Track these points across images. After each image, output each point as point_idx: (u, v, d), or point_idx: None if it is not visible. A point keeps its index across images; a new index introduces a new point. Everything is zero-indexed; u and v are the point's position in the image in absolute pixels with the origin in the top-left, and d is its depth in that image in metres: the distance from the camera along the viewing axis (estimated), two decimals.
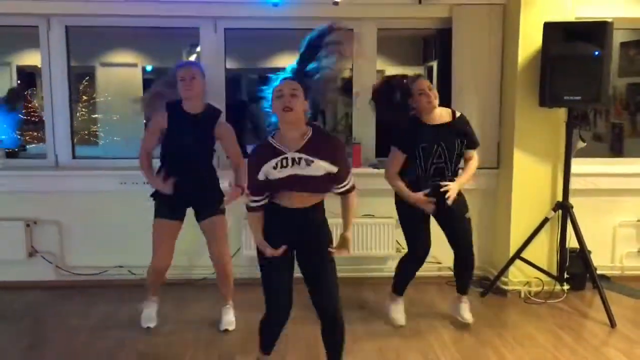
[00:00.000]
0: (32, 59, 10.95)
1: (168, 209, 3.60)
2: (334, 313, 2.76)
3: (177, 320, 3.93)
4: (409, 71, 8.56)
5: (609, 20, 3.91)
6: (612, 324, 3.82)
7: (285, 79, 2.68)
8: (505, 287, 4.38)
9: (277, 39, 7.84)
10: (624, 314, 4.02)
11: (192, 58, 9.28)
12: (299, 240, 2.77)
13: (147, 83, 12.71)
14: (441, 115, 3.62)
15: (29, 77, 11.54)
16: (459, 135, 3.59)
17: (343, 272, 3.08)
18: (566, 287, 4.32)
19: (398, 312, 3.84)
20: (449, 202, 3.50)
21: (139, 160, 3.60)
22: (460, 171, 3.68)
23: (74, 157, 4.65)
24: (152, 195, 3.65)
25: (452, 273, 4.07)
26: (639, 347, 3.52)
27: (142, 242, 3.77)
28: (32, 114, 10.20)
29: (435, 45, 5.23)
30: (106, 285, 4.48)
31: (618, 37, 5.28)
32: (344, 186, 2.78)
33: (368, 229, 4.55)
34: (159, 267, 3.64)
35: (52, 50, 4.48)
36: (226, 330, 3.72)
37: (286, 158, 2.64)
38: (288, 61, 9.06)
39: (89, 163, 4.70)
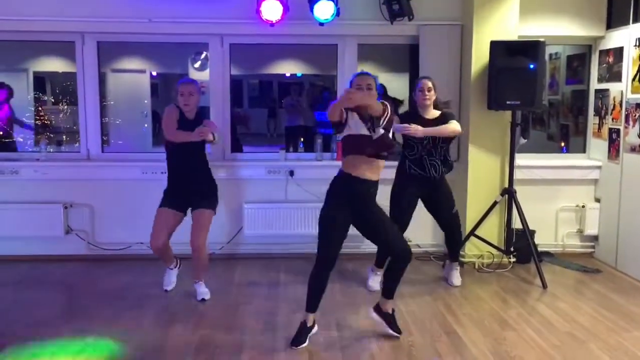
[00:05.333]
0: (47, 65, 11.74)
1: (171, 201, 4.30)
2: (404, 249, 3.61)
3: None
4: (397, 78, 9.46)
5: (542, 39, 4.80)
6: (544, 286, 4.69)
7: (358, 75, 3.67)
8: (462, 259, 5.23)
9: (274, 50, 8.79)
10: (556, 279, 4.90)
11: (197, 65, 10.15)
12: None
13: (154, 88, 13.53)
14: (434, 113, 4.48)
15: (39, 82, 12.25)
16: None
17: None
18: (512, 259, 5.19)
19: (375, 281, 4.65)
20: (410, 131, 4.24)
21: (175, 134, 4.14)
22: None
23: (102, 151, 5.53)
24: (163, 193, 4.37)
25: (420, 249, 5.07)
26: (560, 301, 4.40)
27: None
28: (43, 118, 10.95)
29: (408, 57, 6.07)
30: (130, 258, 5.31)
31: (566, 51, 6.16)
32: None
33: None
34: (154, 247, 4.31)
35: (85, 62, 5.35)
36: (203, 300, 4.34)
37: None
38: (284, 68, 10.15)
39: (116, 156, 5.57)
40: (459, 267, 4.82)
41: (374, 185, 3.57)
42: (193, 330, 3.82)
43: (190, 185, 4.30)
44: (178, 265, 4.65)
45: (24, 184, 5.28)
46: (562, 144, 6.14)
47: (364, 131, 3.48)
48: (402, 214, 4.47)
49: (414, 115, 4.53)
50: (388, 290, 3.71)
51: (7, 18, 5.10)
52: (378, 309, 3.75)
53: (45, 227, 5.23)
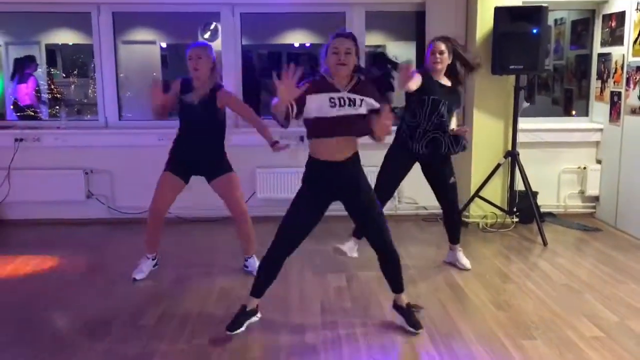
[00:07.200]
0: (58, 37, 11.85)
1: (176, 166, 4.04)
2: (386, 246, 3.23)
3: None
4: (404, 45, 9.54)
5: (545, 4, 4.91)
6: (545, 244, 4.89)
7: (340, 35, 3.05)
8: (467, 220, 5.45)
9: (282, 20, 8.92)
10: (558, 238, 5.11)
11: (207, 35, 10.25)
12: (341, 191, 3.15)
13: (163, 59, 13.64)
14: (445, 79, 4.07)
15: (50, 54, 12.38)
16: (456, 100, 4.11)
17: (332, 212, 4.07)
18: (515, 219, 5.39)
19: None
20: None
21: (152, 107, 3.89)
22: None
23: (120, 119, 5.74)
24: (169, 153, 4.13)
25: (426, 211, 5.21)
26: (560, 257, 4.62)
27: None
28: (54, 91, 11.12)
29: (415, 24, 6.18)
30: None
31: (571, 16, 6.25)
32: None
33: None
34: (155, 210, 4.06)
35: (101, 32, 5.53)
36: None
37: (343, 97, 2.99)
38: (292, 38, 10.31)
39: (133, 124, 5.78)
40: (461, 249, 4.44)
41: (350, 164, 3.11)
42: (212, 283, 4.08)
43: (198, 157, 4.05)
44: (156, 262, 4.31)
45: (46, 151, 5.53)
46: (574, 113, 6.15)
47: (332, 111, 3.01)
48: (387, 182, 4.16)
49: (429, 77, 3.99)
50: (391, 284, 3.37)
51: None
52: (395, 304, 3.40)
53: (68, 192, 5.49)
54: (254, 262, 4.22)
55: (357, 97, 3.05)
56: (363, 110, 3.07)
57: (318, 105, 3.01)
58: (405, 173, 4.24)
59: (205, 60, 3.86)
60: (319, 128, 3.06)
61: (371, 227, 3.24)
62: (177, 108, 4.03)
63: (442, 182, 4.23)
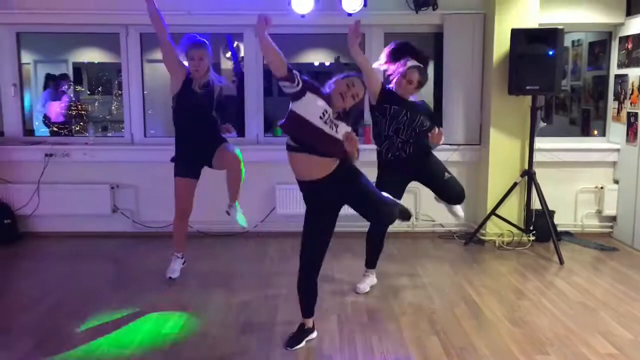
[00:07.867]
0: (84, 56, 12.15)
1: (184, 168, 4.35)
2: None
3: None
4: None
5: (561, 27, 5.01)
6: (561, 262, 4.93)
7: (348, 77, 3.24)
8: (483, 238, 5.51)
9: (302, 40, 9.12)
10: (574, 257, 5.14)
11: (228, 55, 10.47)
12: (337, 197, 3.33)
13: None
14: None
15: (76, 72, 12.71)
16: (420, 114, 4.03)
17: (347, 228, 4.14)
18: (532, 238, 5.43)
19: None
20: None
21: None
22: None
23: (145, 135, 5.93)
24: (171, 160, 4.44)
25: (443, 229, 5.27)
26: (576, 276, 4.65)
27: (198, 201, 4.98)
28: (79, 107, 11.42)
29: (433, 45, 6.29)
30: (171, 235, 5.59)
31: (588, 38, 6.33)
32: None
33: None
34: (180, 213, 4.42)
35: (129, 52, 5.74)
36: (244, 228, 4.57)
37: (330, 116, 3.16)
38: (312, 57, 10.46)
39: (158, 140, 5.96)
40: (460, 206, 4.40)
41: (331, 175, 3.25)
42: (233, 295, 4.19)
43: (199, 146, 4.30)
44: (184, 260, 4.64)
45: (74, 166, 5.71)
46: (595, 132, 6.18)
47: (318, 121, 3.17)
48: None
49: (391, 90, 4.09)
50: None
51: (57, 12, 5.51)
52: None
53: (94, 206, 5.66)
54: (234, 212, 4.36)
55: (335, 122, 3.19)
56: (339, 136, 3.17)
57: (311, 104, 3.17)
58: (402, 183, 4.18)
59: (206, 62, 4.19)
60: (297, 129, 3.19)
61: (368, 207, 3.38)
62: (174, 106, 4.30)
63: (438, 178, 4.20)
